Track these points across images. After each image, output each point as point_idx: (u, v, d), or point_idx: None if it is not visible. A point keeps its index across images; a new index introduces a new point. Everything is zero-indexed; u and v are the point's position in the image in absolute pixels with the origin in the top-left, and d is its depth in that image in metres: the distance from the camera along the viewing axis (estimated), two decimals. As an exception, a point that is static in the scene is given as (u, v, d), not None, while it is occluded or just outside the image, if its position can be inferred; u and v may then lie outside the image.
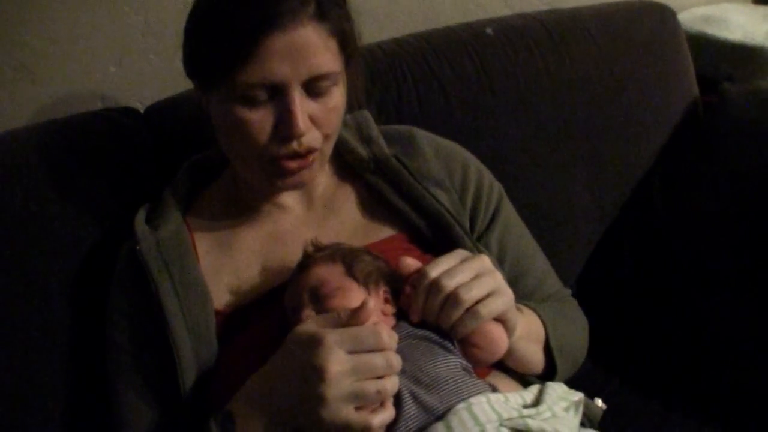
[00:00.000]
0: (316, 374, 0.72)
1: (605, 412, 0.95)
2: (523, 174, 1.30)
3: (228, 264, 0.97)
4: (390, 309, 0.86)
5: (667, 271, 1.37)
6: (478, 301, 0.81)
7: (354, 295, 0.83)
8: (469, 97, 1.29)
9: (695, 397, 1.17)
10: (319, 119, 0.89)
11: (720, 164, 1.34)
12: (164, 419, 0.90)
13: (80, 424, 1.03)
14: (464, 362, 0.83)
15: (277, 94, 0.86)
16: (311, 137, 0.89)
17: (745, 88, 1.42)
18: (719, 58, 1.61)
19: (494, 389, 0.83)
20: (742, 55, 1.59)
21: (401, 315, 0.86)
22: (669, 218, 1.37)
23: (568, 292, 1.12)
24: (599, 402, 0.95)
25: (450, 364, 0.81)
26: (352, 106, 0.99)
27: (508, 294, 0.84)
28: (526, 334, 0.92)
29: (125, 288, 0.95)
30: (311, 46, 0.85)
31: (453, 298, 0.80)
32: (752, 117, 1.34)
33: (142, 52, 1.30)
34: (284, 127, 0.86)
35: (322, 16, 0.85)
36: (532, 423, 0.78)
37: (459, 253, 0.85)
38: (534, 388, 0.87)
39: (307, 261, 0.89)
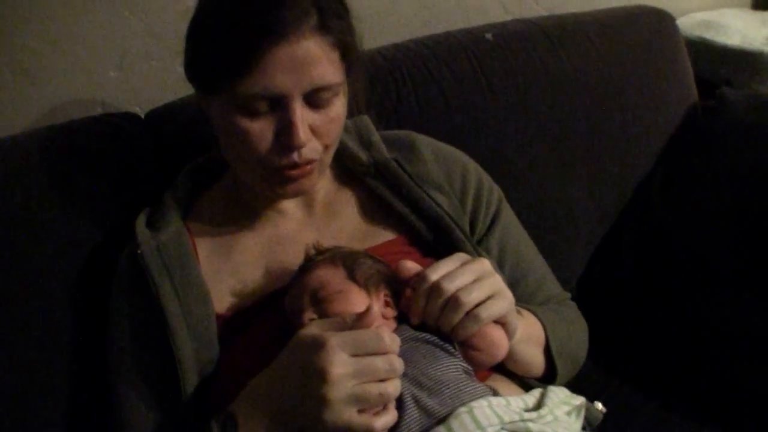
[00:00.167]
0: (318, 376, 0.72)
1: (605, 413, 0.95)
2: (523, 176, 1.31)
3: (228, 267, 0.97)
4: (391, 312, 0.86)
5: (667, 271, 1.37)
6: (478, 304, 0.81)
7: (355, 298, 0.83)
8: (469, 101, 1.29)
9: (695, 397, 1.17)
10: (319, 130, 0.89)
11: (719, 166, 1.35)
12: (165, 421, 0.90)
13: (81, 425, 1.03)
14: (466, 365, 0.83)
15: (278, 105, 0.85)
16: (311, 148, 0.88)
17: (743, 92, 1.43)
18: (718, 62, 1.62)
19: (495, 392, 0.83)
20: (740, 59, 1.60)
21: (402, 318, 0.86)
22: (669, 218, 1.37)
23: (568, 295, 1.12)
24: (599, 405, 0.95)
25: (452, 367, 0.81)
26: (352, 111, 0.99)
27: (508, 297, 0.85)
28: (527, 337, 0.93)
29: (126, 290, 0.95)
30: (313, 58, 0.84)
31: (453, 301, 0.80)
32: (751, 120, 1.35)
33: (142, 57, 1.29)
34: (285, 138, 0.86)
35: (324, 28, 0.85)
36: (533, 426, 0.78)
37: (459, 257, 0.85)
38: (536, 392, 0.87)
39: (309, 264, 0.89)
